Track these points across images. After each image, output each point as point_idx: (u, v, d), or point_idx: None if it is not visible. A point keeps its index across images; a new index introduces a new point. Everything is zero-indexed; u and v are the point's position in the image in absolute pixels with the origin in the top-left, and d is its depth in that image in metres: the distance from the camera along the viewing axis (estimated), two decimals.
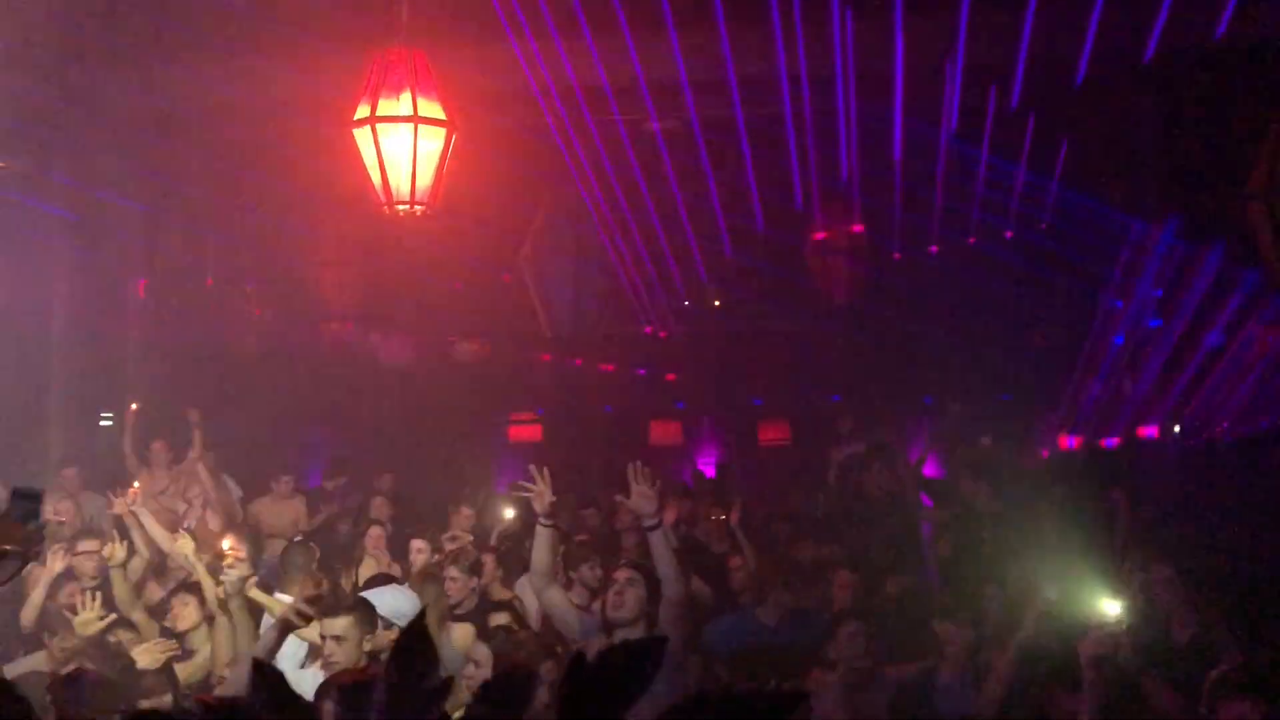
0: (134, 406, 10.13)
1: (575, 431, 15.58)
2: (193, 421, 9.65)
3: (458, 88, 7.15)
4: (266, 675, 0.84)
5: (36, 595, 6.13)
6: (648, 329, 14.06)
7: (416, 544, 7.57)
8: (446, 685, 0.94)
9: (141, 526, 6.64)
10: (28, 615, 6.16)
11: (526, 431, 16.48)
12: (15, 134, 8.05)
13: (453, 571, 6.41)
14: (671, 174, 10.01)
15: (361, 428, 13.14)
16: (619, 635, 4.64)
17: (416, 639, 0.87)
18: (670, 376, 14.92)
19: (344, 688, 0.76)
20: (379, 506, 9.03)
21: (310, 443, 13.09)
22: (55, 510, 7.07)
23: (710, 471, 14.42)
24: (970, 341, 12.08)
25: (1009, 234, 11.03)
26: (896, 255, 11.18)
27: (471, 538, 7.97)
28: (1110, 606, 4.16)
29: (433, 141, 6.74)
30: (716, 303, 14.19)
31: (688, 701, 0.87)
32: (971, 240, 11.15)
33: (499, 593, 6.90)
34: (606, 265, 10.73)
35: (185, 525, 7.59)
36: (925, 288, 11.52)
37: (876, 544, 7.97)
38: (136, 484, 7.92)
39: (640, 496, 4.80)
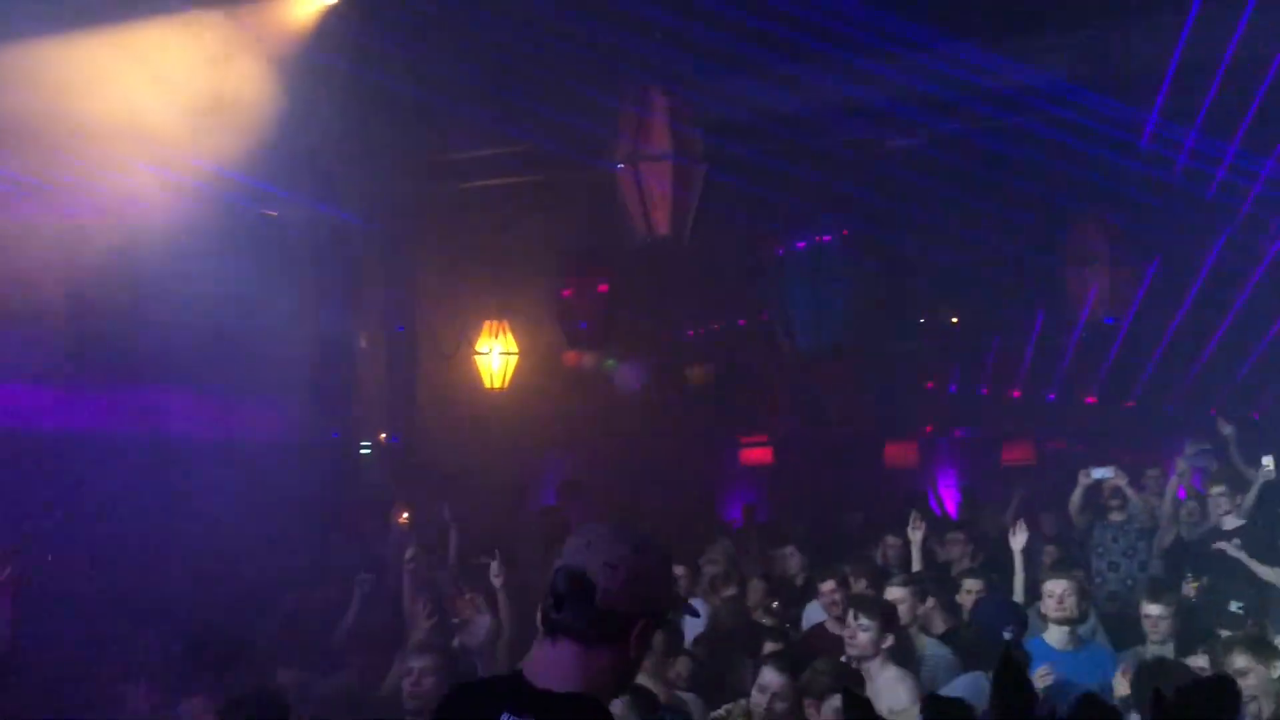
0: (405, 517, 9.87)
1: (807, 454, 15.52)
2: (446, 518, 8.87)
3: (706, 122, 7.30)
4: None
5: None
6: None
7: (676, 569, 7.66)
8: None
9: None
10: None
11: (758, 454, 16.53)
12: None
13: (731, 590, 6.50)
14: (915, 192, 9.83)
15: (598, 452, 13.46)
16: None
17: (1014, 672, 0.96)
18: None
19: None
20: None
21: (547, 468, 13.57)
22: None
23: (949, 496, 14.05)
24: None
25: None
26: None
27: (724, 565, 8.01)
28: None
29: (688, 175, 6.91)
30: (954, 320, 13.84)
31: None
32: None
33: (765, 619, 6.87)
34: (848, 285, 10.62)
35: None
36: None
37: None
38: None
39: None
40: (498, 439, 12.47)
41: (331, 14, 7.40)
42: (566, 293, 11.96)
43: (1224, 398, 11.00)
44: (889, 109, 8.98)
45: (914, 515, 7.11)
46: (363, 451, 12.70)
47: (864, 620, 5.02)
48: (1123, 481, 8.12)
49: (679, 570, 7.55)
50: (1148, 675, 4.44)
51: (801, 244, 10.68)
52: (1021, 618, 5.97)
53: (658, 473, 13.73)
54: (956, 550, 8.31)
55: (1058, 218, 10.49)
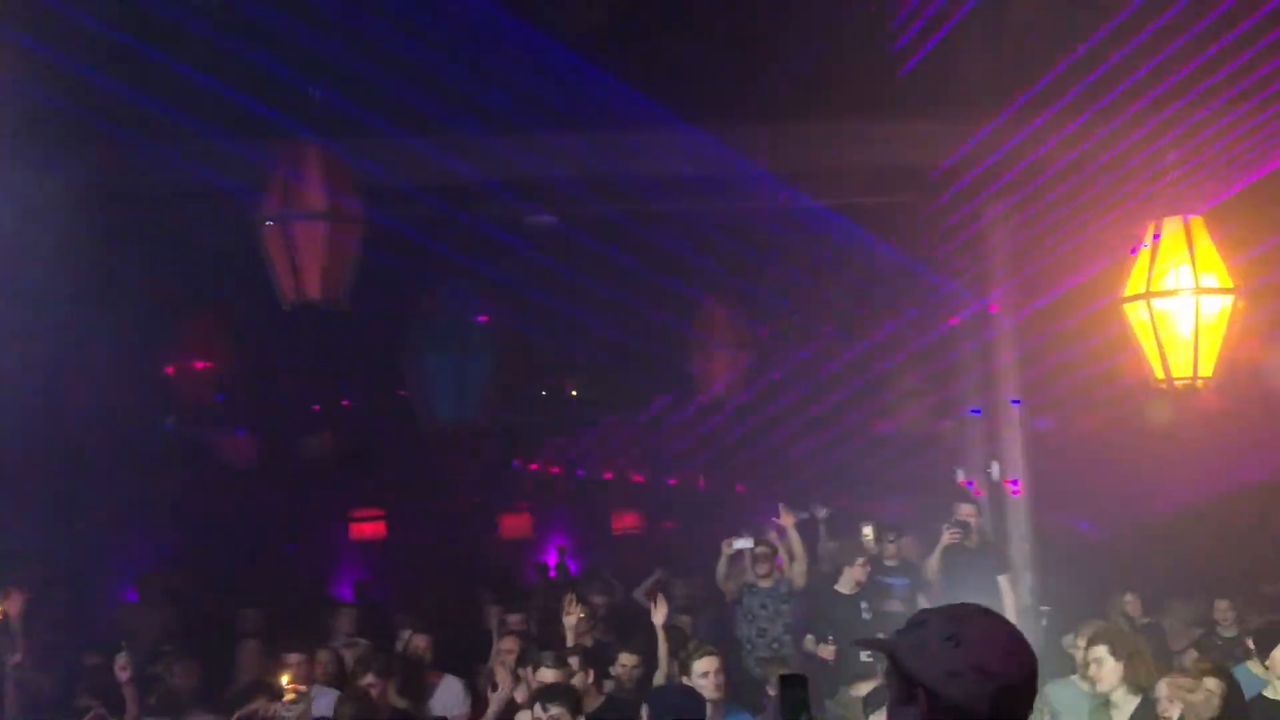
0: None
1: (422, 526, 15.08)
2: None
3: (362, 182, 6.93)
4: None
5: None
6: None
7: (293, 657, 6.97)
8: None
9: None
10: None
11: (370, 528, 15.86)
12: None
13: (369, 678, 6.14)
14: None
15: (203, 527, 12.29)
16: None
17: None
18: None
19: None
20: (252, 618, 8.42)
21: (148, 543, 12.22)
22: None
23: (572, 565, 14.32)
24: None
25: None
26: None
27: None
28: None
29: (344, 237, 6.49)
30: (574, 393, 14.17)
31: None
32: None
33: (397, 701, 6.51)
34: (491, 359, 10.48)
35: None
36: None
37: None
38: None
39: None
40: (83, 512, 11.00)
41: None
42: (170, 370, 10.86)
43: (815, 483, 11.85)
44: (534, 183, 8.99)
45: (568, 599, 6.96)
46: None
47: (554, 709, 4.83)
48: (766, 548, 8.40)
49: (294, 658, 6.95)
50: None
51: (448, 320, 10.42)
52: (700, 707, 5.86)
53: (265, 549, 12.78)
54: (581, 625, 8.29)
55: (687, 303, 10.89)
